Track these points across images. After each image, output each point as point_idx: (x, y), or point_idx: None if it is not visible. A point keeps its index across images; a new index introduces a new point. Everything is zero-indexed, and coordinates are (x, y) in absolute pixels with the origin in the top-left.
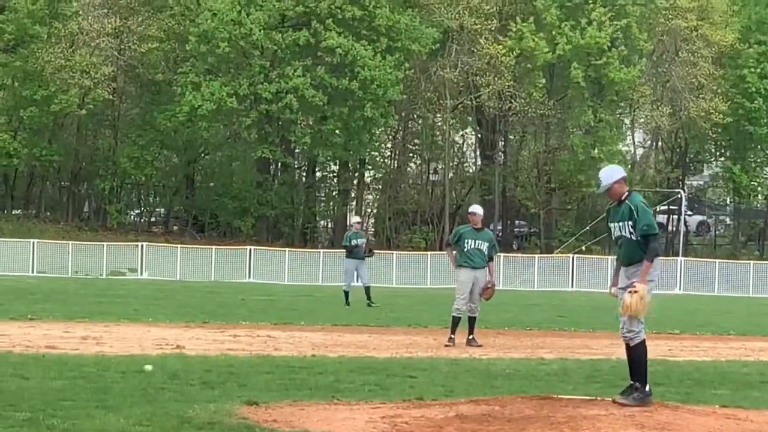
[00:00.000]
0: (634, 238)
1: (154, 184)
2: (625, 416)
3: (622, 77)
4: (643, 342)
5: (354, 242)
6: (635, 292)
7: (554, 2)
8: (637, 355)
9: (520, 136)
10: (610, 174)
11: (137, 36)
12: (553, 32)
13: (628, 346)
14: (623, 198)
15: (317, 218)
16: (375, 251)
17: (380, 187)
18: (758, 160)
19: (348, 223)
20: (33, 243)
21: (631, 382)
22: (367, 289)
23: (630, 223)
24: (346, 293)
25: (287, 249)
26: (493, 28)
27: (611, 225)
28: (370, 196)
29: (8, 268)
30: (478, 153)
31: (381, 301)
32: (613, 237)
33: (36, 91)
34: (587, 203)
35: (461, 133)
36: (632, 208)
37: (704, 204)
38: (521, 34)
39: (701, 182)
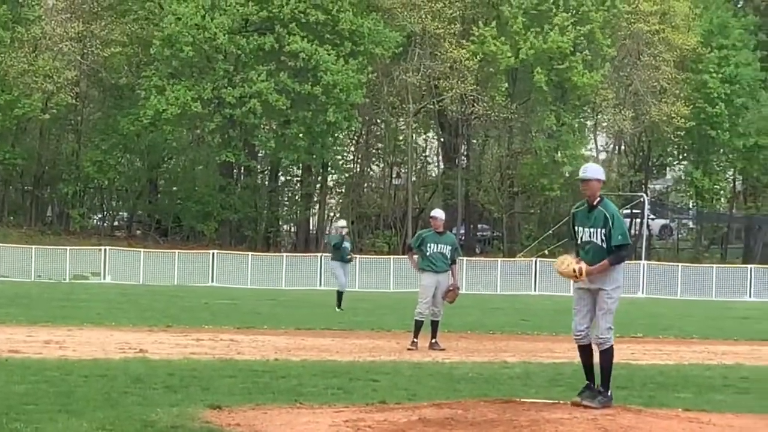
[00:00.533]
0: (604, 245)
1: (118, 189)
2: (587, 420)
3: (585, 81)
4: (612, 347)
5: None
6: (581, 269)
7: (520, 9)
8: (605, 359)
9: (482, 140)
10: (597, 170)
11: (100, 40)
12: (516, 37)
13: (583, 349)
14: (596, 203)
15: (280, 222)
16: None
17: (343, 191)
18: (720, 164)
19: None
20: None
21: (587, 382)
22: (340, 294)
23: (603, 231)
24: (340, 294)
25: (250, 253)
26: (455, 32)
27: (579, 228)
28: (333, 200)
29: None
30: (440, 157)
31: (344, 305)
32: (578, 240)
33: None
34: (550, 207)
35: (424, 137)
36: (608, 216)
37: (667, 208)
38: (483, 39)
39: (664, 186)
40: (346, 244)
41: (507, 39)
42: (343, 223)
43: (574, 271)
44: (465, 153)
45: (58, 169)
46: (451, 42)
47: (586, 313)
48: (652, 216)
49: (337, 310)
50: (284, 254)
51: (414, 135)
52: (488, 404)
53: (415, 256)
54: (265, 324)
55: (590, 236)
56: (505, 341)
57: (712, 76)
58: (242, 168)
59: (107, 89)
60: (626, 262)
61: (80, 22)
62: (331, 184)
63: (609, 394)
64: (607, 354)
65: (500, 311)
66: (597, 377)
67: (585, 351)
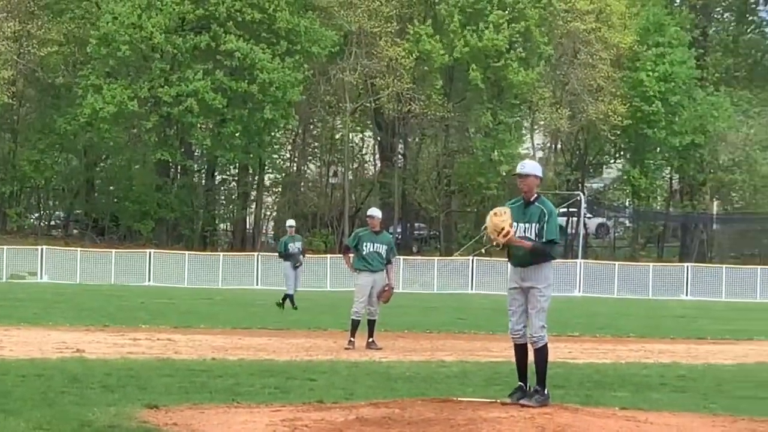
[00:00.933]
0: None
1: (55, 188)
2: (525, 419)
3: (520, 79)
4: (546, 345)
5: (291, 247)
6: (508, 232)
7: (456, 7)
8: (540, 358)
9: (419, 138)
10: (535, 166)
11: (37, 40)
12: (451, 35)
13: (519, 348)
14: (532, 199)
15: (217, 221)
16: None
17: (280, 189)
18: (656, 163)
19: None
20: None
21: (520, 383)
22: (291, 296)
23: (537, 226)
24: (291, 296)
25: (187, 252)
26: (392, 31)
27: (513, 224)
28: (269, 199)
29: None
30: (377, 156)
31: (287, 304)
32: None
33: None
34: (487, 206)
35: (361, 135)
36: (544, 212)
37: (604, 206)
38: (419, 37)
39: (600, 185)
40: (296, 244)
41: (442, 37)
42: (291, 222)
43: (503, 229)
44: (402, 152)
45: None
46: (387, 41)
47: (522, 313)
48: (588, 215)
49: (290, 308)
50: (221, 253)
51: (351, 134)
52: (425, 403)
53: (351, 255)
54: (202, 323)
55: (524, 231)
56: (442, 340)
57: (648, 74)
58: (179, 167)
59: (44, 88)
60: (559, 260)
61: (17, 22)
62: (267, 183)
63: (546, 392)
64: (542, 352)
65: (437, 310)
66: (531, 378)
67: (520, 350)
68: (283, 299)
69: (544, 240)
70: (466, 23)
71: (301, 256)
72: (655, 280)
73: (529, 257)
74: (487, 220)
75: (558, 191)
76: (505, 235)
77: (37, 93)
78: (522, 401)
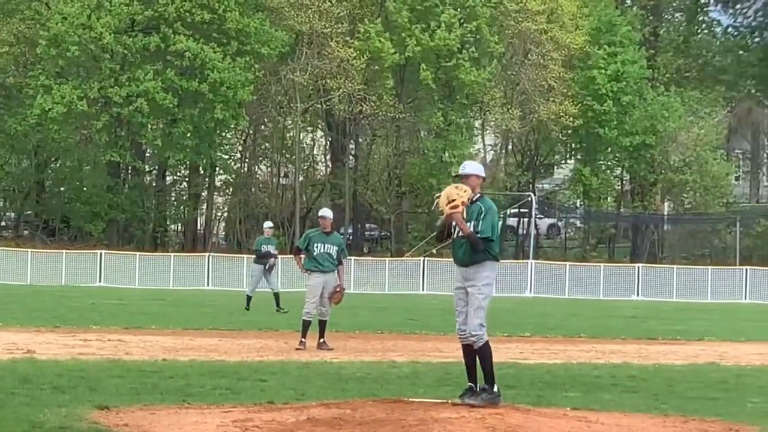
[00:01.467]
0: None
1: (5, 189)
2: (476, 419)
3: (472, 79)
4: (487, 343)
5: (265, 248)
6: (457, 205)
7: (405, 4)
8: (483, 356)
9: (370, 139)
10: (476, 167)
11: None
12: (403, 34)
13: (467, 348)
14: (476, 199)
15: (168, 222)
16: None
17: (231, 190)
18: (608, 163)
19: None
20: None
21: (470, 384)
22: (276, 296)
23: (474, 223)
24: (249, 297)
25: (138, 253)
26: (343, 32)
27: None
28: (220, 199)
29: None
30: (328, 156)
31: (232, 305)
32: (454, 235)
33: None
34: (437, 207)
35: (312, 136)
36: (483, 209)
37: (555, 207)
38: (368, 35)
39: (552, 185)
40: (270, 246)
41: (393, 35)
42: (269, 224)
43: (453, 201)
44: (353, 152)
45: None
46: (338, 41)
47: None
48: (540, 215)
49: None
50: (172, 254)
51: (301, 134)
52: (376, 404)
53: (302, 256)
54: (153, 324)
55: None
56: (393, 341)
57: (600, 71)
58: (130, 168)
59: None
60: (511, 260)
61: None
62: (218, 183)
63: (495, 390)
64: (483, 351)
65: (388, 311)
66: (481, 379)
67: (468, 350)
68: (277, 302)
69: (477, 233)
70: (415, 21)
71: (273, 259)
72: (606, 281)
73: (468, 256)
74: (445, 189)
75: (509, 192)
76: (453, 207)
77: None
78: (468, 400)
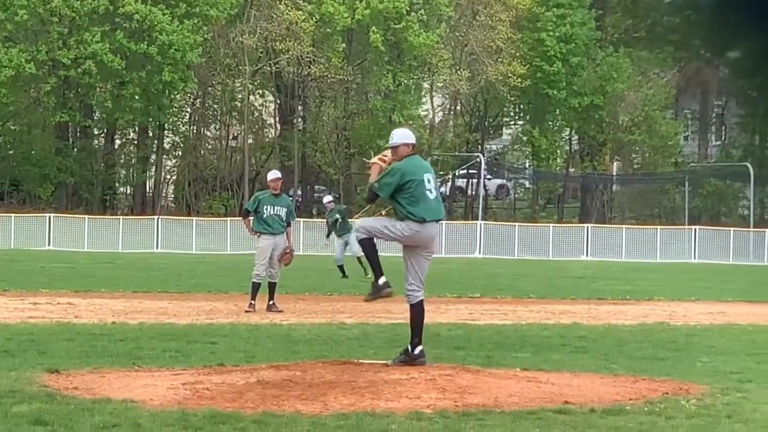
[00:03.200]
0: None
1: None
2: (426, 380)
3: (421, 42)
4: (420, 302)
5: (335, 219)
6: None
7: None
8: (415, 314)
9: (319, 101)
10: (402, 135)
11: None
12: None
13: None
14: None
15: (117, 185)
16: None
17: (180, 153)
18: (557, 124)
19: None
20: None
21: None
22: (360, 259)
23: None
24: (341, 267)
25: (87, 216)
26: None
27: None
28: (169, 162)
29: None
30: (277, 119)
31: (182, 268)
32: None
33: None
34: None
35: (261, 99)
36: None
37: (503, 167)
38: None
39: (500, 146)
40: (338, 216)
41: None
42: (329, 198)
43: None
44: (302, 115)
45: None
46: (287, 4)
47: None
48: (488, 176)
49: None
50: (121, 217)
51: (250, 97)
52: (326, 366)
53: (251, 219)
54: (102, 287)
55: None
56: (342, 302)
57: (549, 34)
58: (78, 131)
59: None
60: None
61: None
62: (167, 146)
63: (416, 352)
64: (417, 308)
65: (337, 272)
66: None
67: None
68: (342, 270)
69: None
70: None
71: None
72: (555, 241)
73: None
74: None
75: (458, 153)
76: (374, 162)
77: None
78: (389, 361)
